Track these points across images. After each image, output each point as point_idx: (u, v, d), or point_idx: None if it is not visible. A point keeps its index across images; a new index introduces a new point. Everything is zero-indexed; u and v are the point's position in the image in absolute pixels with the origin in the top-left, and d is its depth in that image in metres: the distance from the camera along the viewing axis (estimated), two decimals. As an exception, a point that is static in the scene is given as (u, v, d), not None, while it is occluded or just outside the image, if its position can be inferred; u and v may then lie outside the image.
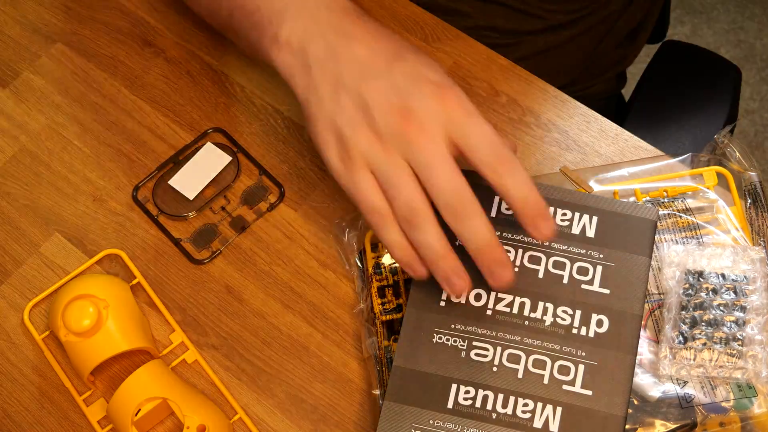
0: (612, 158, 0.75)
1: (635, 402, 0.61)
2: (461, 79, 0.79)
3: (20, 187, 0.79)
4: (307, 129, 0.64)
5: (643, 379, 0.62)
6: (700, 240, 0.66)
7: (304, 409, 0.69)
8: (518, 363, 0.60)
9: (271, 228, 0.75)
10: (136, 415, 0.66)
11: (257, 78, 0.81)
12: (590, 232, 0.63)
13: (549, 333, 0.60)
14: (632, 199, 0.69)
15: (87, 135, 0.80)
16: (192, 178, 0.76)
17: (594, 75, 1.00)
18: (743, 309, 0.62)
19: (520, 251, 0.63)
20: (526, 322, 0.61)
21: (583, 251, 0.62)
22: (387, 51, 0.63)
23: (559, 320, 0.61)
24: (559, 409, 0.59)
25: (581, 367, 0.59)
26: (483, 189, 0.59)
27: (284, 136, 0.79)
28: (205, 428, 0.65)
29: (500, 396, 0.59)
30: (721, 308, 0.62)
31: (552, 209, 0.64)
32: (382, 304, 0.68)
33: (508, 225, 0.64)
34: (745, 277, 0.63)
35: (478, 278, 0.60)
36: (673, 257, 0.65)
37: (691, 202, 0.68)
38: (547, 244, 0.63)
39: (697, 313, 0.62)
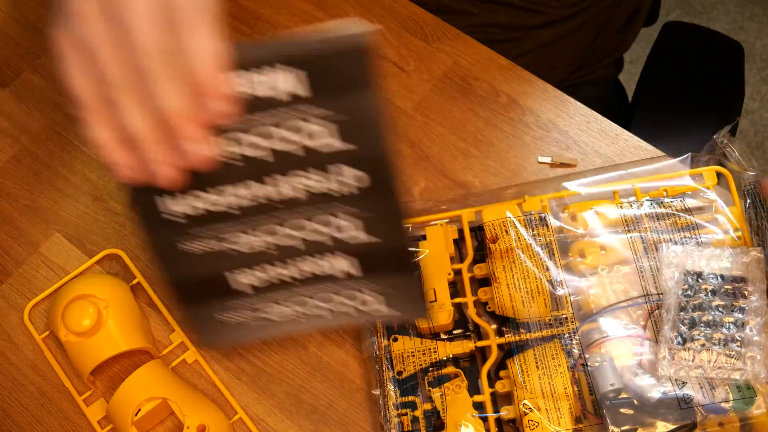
0: (612, 158, 0.75)
1: (635, 402, 0.61)
2: (461, 79, 0.79)
3: (20, 187, 0.79)
4: None
5: (642, 380, 0.62)
6: (699, 240, 0.66)
7: (304, 409, 0.69)
8: (294, 236, 0.59)
9: (271, 228, 0.75)
10: (136, 415, 0.66)
11: (257, 78, 0.81)
12: (304, 91, 0.53)
13: (310, 202, 0.57)
14: (632, 198, 0.69)
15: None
16: (192, 178, 0.76)
17: (593, 62, 1.00)
18: (742, 310, 0.62)
19: (241, 134, 0.54)
20: (280, 204, 0.57)
21: (307, 113, 0.54)
22: None
23: (316, 188, 0.57)
24: (354, 259, 0.59)
25: (359, 222, 0.58)
26: None
27: (284, 136, 0.78)
28: (205, 428, 0.65)
29: (287, 265, 0.60)
30: (720, 309, 0.62)
31: (249, 77, 0.52)
32: (382, 304, 0.68)
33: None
34: (743, 278, 0.63)
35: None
36: (672, 258, 0.65)
37: (690, 202, 0.68)
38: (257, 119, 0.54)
39: (695, 314, 0.62)
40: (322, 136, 0.55)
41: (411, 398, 0.65)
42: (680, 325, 0.62)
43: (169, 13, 0.48)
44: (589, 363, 0.63)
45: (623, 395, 0.61)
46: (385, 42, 0.81)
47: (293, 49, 0.52)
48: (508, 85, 0.79)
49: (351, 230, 0.58)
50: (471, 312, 0.67)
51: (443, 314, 0.66)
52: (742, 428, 0.61)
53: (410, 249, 0.62)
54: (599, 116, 0.77)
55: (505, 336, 0.65)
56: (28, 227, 0.77)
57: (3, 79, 0.83)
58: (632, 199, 0.69)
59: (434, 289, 0.67)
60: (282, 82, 0.52)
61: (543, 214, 0.68)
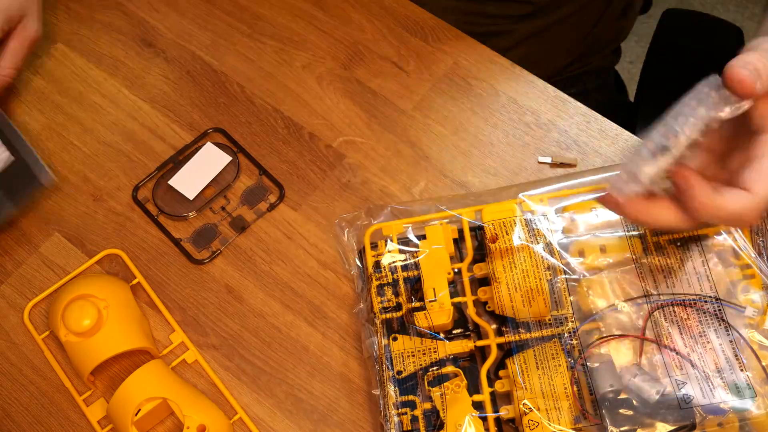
0: (612, 158, 0.75)
1: (634, 403, 0.61)
2: (461, 79, 0.79)
3: (20, 187, 0.79)
4: None
5: (642, 381, 0.62)
6: (699, 241, 0.66)
7: (304, 409, 0.69)
8: None
9: (271, 228, 0.75)
10: (136, 415, 0.66)
11: (257, 78, 0.81)
12: None
13: None
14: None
15: (87, 135, 0.80)
16: (192, 178, 0.76)
17: (592, 52, 1.01)
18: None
19: None
20: None
21: None
22: None
23: None
24: None
25: None
26: None
27: (284, 136, 0.79)
28: (205, 428, 0.65)
29: None
30: None
31: None
32: (382, 302, 0.68)
33: None
34: None
35: None
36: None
37: (690, 202, 0.68)
38: None
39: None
40: None
41: (411, 398, 0.65)
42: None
43: None
44: (588, 363, 0.63)
45: (622, 396, 0.61)
46: (385, 42, 0.81)
47: None
48: (508, 85, 0.79)
49: None
50: (471, 311, 0.67)
51: (443, 314, 0.66)
52: (741, 429, 0.61)
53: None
54: (599, 116, 0.77)
55: (505, 336, 0.65)
56: (28, 227, 0.77)
57: (3, 79, 0.83)
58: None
59: (434, 289, 0.67)
60: None
61: (543, 214, 0.68)
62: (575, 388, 0.62)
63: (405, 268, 0.69)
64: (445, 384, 0.64)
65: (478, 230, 0.70)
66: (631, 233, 0.67)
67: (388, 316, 0.68)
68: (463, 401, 0.64)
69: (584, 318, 0.65)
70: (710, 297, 0.64)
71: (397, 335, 0.67)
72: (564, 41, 0.97)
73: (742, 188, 0.56)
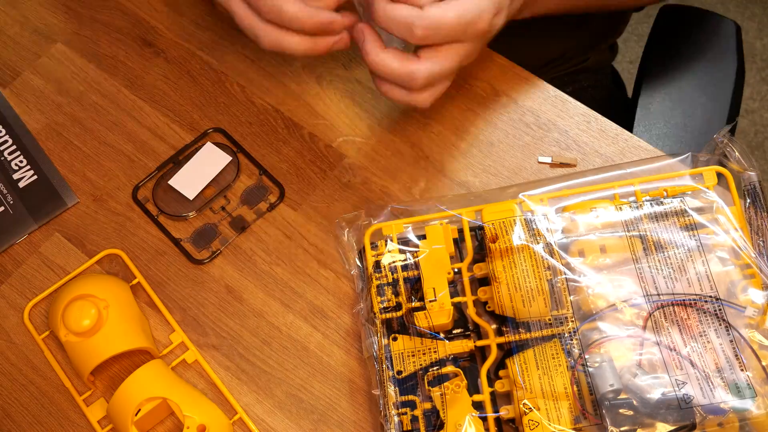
0: (612, 158, 0.75)
1: (634, 403, 0.61)
2: (461, 79, 0.79)
3: (20, 187, 0.79)
4: None
5: (642, 381, 0.62)
6: (699, 240, 0.66)
7: (304, 409, 0.69)
8: None
9: (271, 228, 0.75)
10: (136, 415, 0.66)
11: (257, 78, 0.81)
12: None
13: None
14: (632, 198, 0.69)
15: (87, 135, 0.80)
16: (192, 178, 0.76)
17: (588, 48, 1.01)
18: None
19: None
20: None
21: None
22: None
23: None
24: None
25: None
26: None
27: (284, 136, 0.79)
28: (205, 428, 0.65)
29: None
30: None
31: None
32: (382, 302, 0.68)
33: None
34: None
35: None
36: None
37: (690, 202, 0.68)
38: None
39: None
40: None
41: (411, 397, 0.65)
42: None
43: None
44: (588, 363, 0.63)
45: (623, 396, 0.61)
46: (385, 42, 0.81)
47: None
48: (508, 85, 0.79)
49: None
50: (471, 311, 0.67)
51: (443, 314, 0.66)
52: (741, 429, 0.61)
53: None
54: (599, 116, 0.77)
55: (505, 335, 0.65)
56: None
57: (3, 79, 0.83)
58: (632, 199, 0.69)
59: (434, 289, 0.67)
60: None
61: (543, 214, 0.68)
62: (575, 388, 0.62)
63: (405, 268, 0.69)
64: (445, 384, 0.64)
65: (478, 230, 0.70)
66: (631, 233, 0.67)
67: (388, 316, 0.68)
68: (463, 401, 0.64)
69: (584, 318, 0.65)
70: (710, 297, 0.64)
71: (397, 335, 0.67)
72: (554, 31, 0.96)
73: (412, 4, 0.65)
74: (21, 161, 0.79)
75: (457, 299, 0.67)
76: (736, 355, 0.62)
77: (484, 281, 0.68)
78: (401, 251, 0.69)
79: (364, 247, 0.70)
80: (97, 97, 0.82)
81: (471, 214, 0.70)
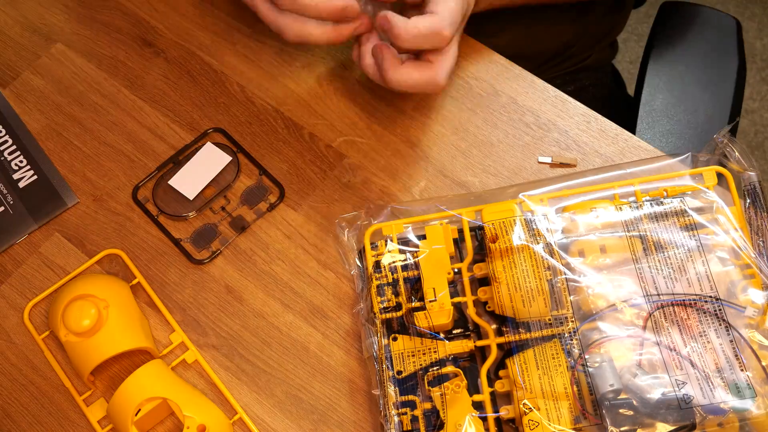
0: (612, 158, 0.75)
1: (634, 403, 0.61)
2: (461, 79, 0.79)
3: (20, 187, 0.79)
4: None
5: (642, 381, 0.62)
6: (699, 240, 0.66)
7: (304, 409, 0.69)
8: None
9: (271, 228, 0.75)
10: (136, 415, 0.66)
11: (257, 78, 0.81)
12: None
13: None
14: (632, 198, 0.69)
15: (87, 135, 0.80)
16: (192, 178, 0.76)
17: (588, 46, 1.01)
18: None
19: None
20: None
21: None
22: None
23: None
24: None
25: None
26: None
27: (284, 136, 0.79)
28: (205, 428, 0.65)
29: None
30: None
31: None
32: (382, 302, 0.68)
33: None
34: None
35: None
36: None
37: (690, 202, 0.68)
38: None
39: None
40: None
41: (411, 397, 0.65)
42: None
43: None
44: (588, 363, 0.63)
45: (623, 396, 0.61)
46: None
47: None
48: (508, 85, 0.79)
49: None
50: (471, 311, 0.67)
51: (443, 314, 0.66)
52: (741, 429, 0.61)
53: None
54: (599, 116, 0.77)
55: (505, 335, 0.65)
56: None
57: (3, 79, 0.83)
58: (632, 199, 0.69)
59: (434, 289, 0.67)
60: None
61: (543, 214, 0.68)
62: (575, 388, 0.62)
63: (405, 268, 0.69)
64: (445, 384, 0.64)
65: (478, 230, 0.70)
66: (631, 233, 0.67)
67: (388, 316, 0.68)
68: (463, 401, 0.64)
69: (584, 318, 0.65)
70: (710, 297, 0.64)
71: (397, 335, 0.67)
72: (551, 25, 0.96)
73: (428, 12, 0.68)
74: (21, 161, 0.79)
75: (457, 299, 0.67)
76: (736, 355, 0.62)
77: (484, 281, 0.68)
78: (401, 251, 0.69)
79: (364, 247, 0.70)
80: (97, 97, 0.82)
81: (471, 214, 0.70)
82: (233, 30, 0.84)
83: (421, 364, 0.66)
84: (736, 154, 0.69)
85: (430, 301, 0.66)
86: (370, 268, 0.69)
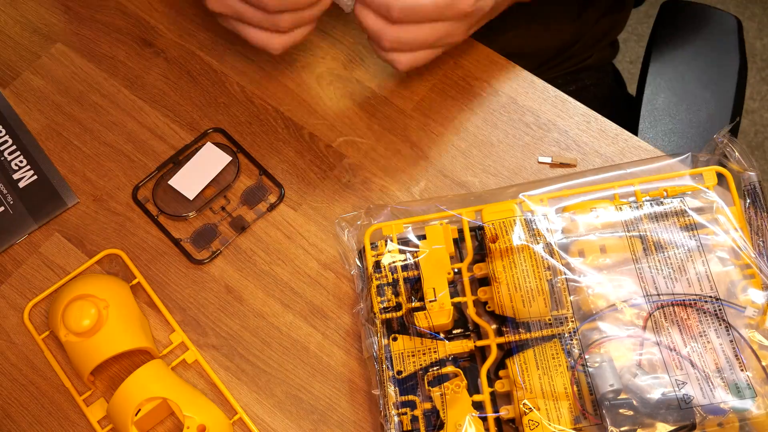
0: (612, 158, 0.75)
1: (634, 403, 0.61)
2: (461, 78, 0.79)
3: (20, 187, 0.79)
4: None
5: (642, 381, 0.62)
6: (699, 240, 0.66)
7: (304, 409, 0.69)
8: None
9: (271, 228, 0.75)
10: (136, 415, 0.66)
11: (257, 78, 0.81)
12: None
13: None
14: (632, 198, 0.69)
15: (87, 135, 0.80)
16: (192, 178, 0.76)
17: (589, 46, 1.01)
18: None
19: None
20: None
21: None
22: None
23: None
24: None
25: None
26: None
27: (284, 136, 0.79)
28: (205, 428, 0.65)
29: None
30: None
31: None
32: (382, 302, 0.68)
33: None
34: None
35: None
36: None
37: (690, 202, 0.68)
38: None
39: None
40: None
41: (411, 398, 0.65)
42: None
43: None
44: (588, 363, 0.63)
45: (623, 396, 0.61)
46: (385, 42, 0.81)
47: None
48: (508, 85, 0.79)
49: None
50: (471, 311, 0.67)
51: (443, 314, 0.66)
52: (741, 429, 0.61)
53: None
54: (599, 116, 0.77)
55: (505, 336, 0.65)
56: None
57: (3, 79, 0.83)
58: (632, 199, 0.69)
59: (434, 289, 0.67)
60: None
61: (543, 214, 0.68)
62: (575, 388, 0.62)
63: (405, 268, 0.69)
64: (445, 384, 0.64)
65: (478, 230, 0.70)
66: (631, 233, 0.67)
67: (388, 316, 0.68)
68: (463, 401, 0.64)
69: (584, 318, 0.65)
70: (710, 297, 0.64)
71: (397, 335, 0.67)
72: (551, 23, 0.96)
73: None
74: (21, 161, 0.79)
75: (457, 299, 0.67)
76: (736, 355, 0.62)
77: (484, 281, 0.68)
78: (401, 251, 0.69)
79: (364, 247, 0.70)
80: (97, 97, 0.82)
81: (471, 214, 0.70)
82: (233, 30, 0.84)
83: (421, 364, 0.66)
84: (736, 154, 0.69)
85: (430, 301, 0.66)
86: (370, 268, 0.69)
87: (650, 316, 0.64)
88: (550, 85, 0.78)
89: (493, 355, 0.65)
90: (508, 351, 0.65)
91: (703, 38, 1.02)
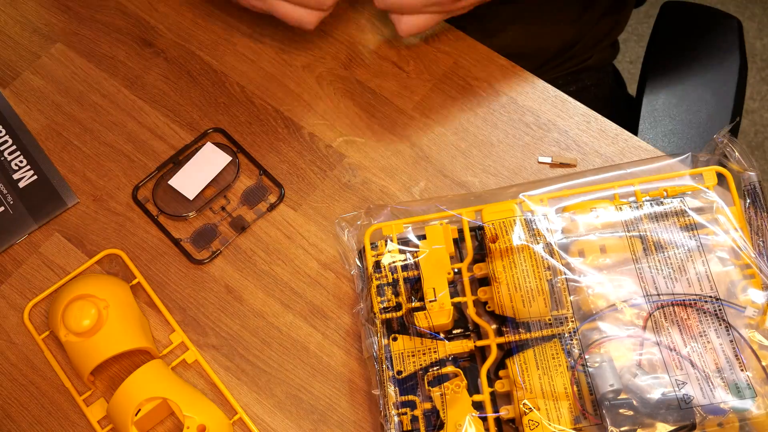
0: (612, 158, 0.75)
1: (634, 403, 0.61)
2: (461, 78, 0.79)
3: (20, 187, 0.79)
4: None
5: (642, 381, 0.62)
6: (699, 240, 0.66)
7: (304, 409, 0.69)
8: None
9: (271, 228, 0.75)
10: (136, 415, 0.66)
11: (257, 78, 0.81)
12: None
13: None
14: (632, 198, 0.69)
15: (87, 135, 0.80)
16: (192, 178, 0.76)
17: (589, 46, 1.01)
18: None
19: None
20: None
21: None
22: None
23: None
24: None
25: None
26: None
27: (284, 136, 0.79)
28: (205, 428, 0.65)
29: None
30: None
31: None
32: (382, 302, 0.68)
33: None
34: None
35: None
36: None
37: (690, 202, 0.68)
38: None
39: None
40: None
41: (411, 397, 0.65)
42: None
43: None
44: (588, 363, 0.63)
45: (623, 396, 0.61)
46: (385, 42, 0.81)
47: None
48: (508, 85, 0.79)
49: None
50: (471, 311, 0.67)
51: (443, 314, 0.66)
52: (741, 429, 0.61)
53: None
54: (599, 116, 0.77)
55: (505, 336, 0.65)
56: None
57: (3, 79, 0.83)
58: (632, 199, 0.69)
59: (434, 289, 0.67)
60: None
61: (543, 214, 0.68)
62: (575, 388, 0.62)
63: (405, 268, 0.69)
64: (445, 384, 0.64)
65: (478, 230, 0.70)
66: (631, 233, 0.67)
67: (388, 316, 0.68)
68: (463, 401, 0.64)
69: (584, 318, 0.65)
70: (710, 297, 0.64)
71: (397, 335, 0.67)
72: (551, 24, 0.96)
73: None
74: (21, 161, 0.79)
75: (457, 299, 0.67)
76: (736, 355, 0.62)
77: (484, 281, 0.68)
78: (401, 251, 0.69)
79: (364, 247, 0.70)
80: (97, 97, 0.82)
81: (471, 214, 0.70)
82: (233, 30, 0.84)
83: (421, 364, 0.66)
84: (736, 154, 0.69)
85: (430, 301, 0.66)
86: (370, 268, 0.69)
87: (650, 316, 0.64)
88: (550, 85, 0.78)
89: (493, 355, 0.65)
90: (508, 351, 0.65)
91: (703, 38, 1.02)
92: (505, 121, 0.77)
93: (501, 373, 0.65)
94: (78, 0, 0.87)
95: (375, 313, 0.68)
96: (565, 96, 0.78)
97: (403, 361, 0.66)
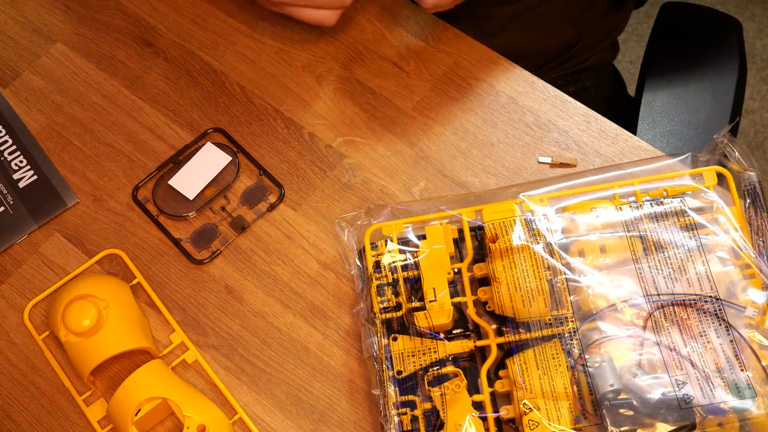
0: (612, 158, 0.75)
1: (634, 403, 0.61)
2: (461, 79, 0.79)
3: (20, 187, 0.79)
4: None
5: (642, 381, 0.62)
6: (699, 240, 0.66)
7: (304, 409, 0.69)
8: None
9: (271, 228, 0.75)
10: (136, 415, 0.66)
11: (257, 78, 0.81)
12: None
13: None
14: (632, 198, 0.69)
15: (87, 135, 0.80)
16: (192, 178, 0.76)
17: (589, 46, 1.01)
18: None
19: None
20: None
21: None
22: None
23: None
24: None
25: None
26: None
27: (284, 136, 0.79)
28: (205, 428, 0.65)
29: None
30: None
31: None
32: (382, 302, 0.68)
33: None
34: None
35: None
36: None
37: (690, 202, 0.68)
38: None
39: None
40: None
41: (411, 397, 0.65)
42: None
43: None
44: (588, 363, 0.63)
45: (623, 396, 0.61)
46: (385, 42, 0.81)
47: None
48: (508, 85, 0.79)
49: None
50: (471, 311, 0.67)
51: (443, 314, 0.66)
52: (741, 429, 0.61)
53: None
54: (599, 116, 0.77)
55: (505, 335, 0.65)
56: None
57: (3, 79, 0.83)
58: (632, 199, 0.69)
59: (434, 289, 0.67)
60: None
61: (543, 214, 0.68)
62: (575, 388, 0.62)
63: (405, 268, 0.69)
64: (445, 384, 0.64)
65: (478, 230, 0.70)
66: (631, 233, 0.67)
67: (388, 316, 0.68)
68: (463, 401, 0.64)
69: (584, 318, 0.65)
70: (710, 297, 0.64)
71: (397, 335, 0.67)
72: (551, 24, 0.97)
73: None
74: (21, 161, 0.79)
75: (457, 299, 0.67)
76: (736, 355, 0.62)
77: (484, 281, 0.68)
78: (401, 251, 0.69)
79: (364, 247, 0.70)
80: (97, 97, 0.82)
81: (471, 214, 0.70)
82: (233, 30, 0.84)
83: (421, 364, 0.66)
84: (736, 154, 0.69)
85: (430, 301, 0.66)
86: (370, 268, 0.69)
87: (650, 316, 0.64)
88: (550, 85, 0.78)
89: (493, 355, 0.65)
90: (508, 351, 0.65)
91: (703, 39, 1.02)
92: (505, 121, 0.77)
93: (501, 373, 0.65)
94: (78, 0, 0.87)
95: (375, 313, 0.68)
96: (565, 96, 0.78)
97: (403, 361, 0.66)
